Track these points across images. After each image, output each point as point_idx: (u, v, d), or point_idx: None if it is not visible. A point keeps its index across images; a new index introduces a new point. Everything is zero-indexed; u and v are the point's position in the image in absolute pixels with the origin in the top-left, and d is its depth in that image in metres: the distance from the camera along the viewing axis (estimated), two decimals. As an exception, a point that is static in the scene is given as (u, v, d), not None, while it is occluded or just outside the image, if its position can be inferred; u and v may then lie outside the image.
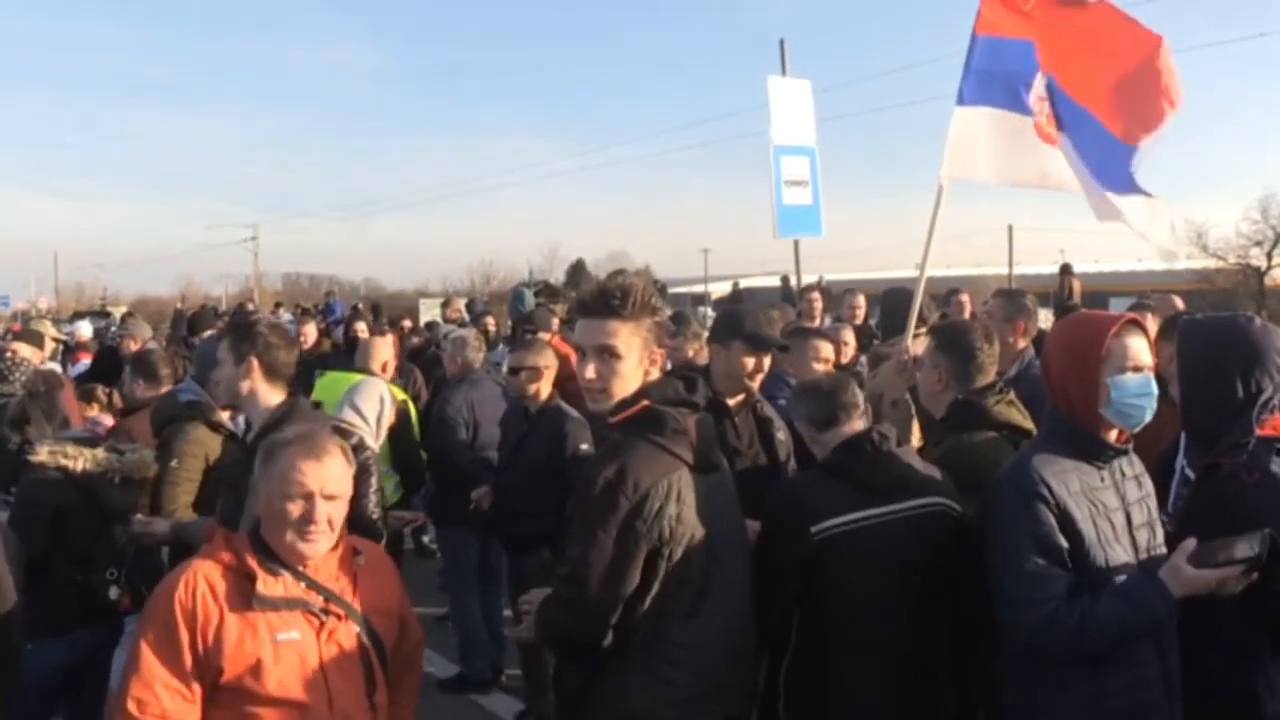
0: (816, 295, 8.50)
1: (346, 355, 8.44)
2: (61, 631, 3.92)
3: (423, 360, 9.00)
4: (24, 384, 5.37)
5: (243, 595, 2.54)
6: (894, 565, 2.89)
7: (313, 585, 2.62)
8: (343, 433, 4.08)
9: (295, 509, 2.57)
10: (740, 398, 3.86)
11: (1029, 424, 3.42)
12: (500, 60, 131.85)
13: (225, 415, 4.57)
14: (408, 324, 12.06)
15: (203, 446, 4.34)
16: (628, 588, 2.48)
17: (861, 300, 8.54)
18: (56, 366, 8.68)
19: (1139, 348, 2.67)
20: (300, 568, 2.62)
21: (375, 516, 3.71)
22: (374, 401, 4.75)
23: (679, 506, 2.51)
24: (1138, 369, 2.65)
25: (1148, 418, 2.68)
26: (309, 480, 2.58)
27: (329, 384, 5.98)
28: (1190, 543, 2.49)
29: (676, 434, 2.56)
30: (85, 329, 14.06)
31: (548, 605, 2.65)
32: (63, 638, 3.94)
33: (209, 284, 67.74)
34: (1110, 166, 4.53)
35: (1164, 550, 2.73)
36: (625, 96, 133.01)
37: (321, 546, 2.62)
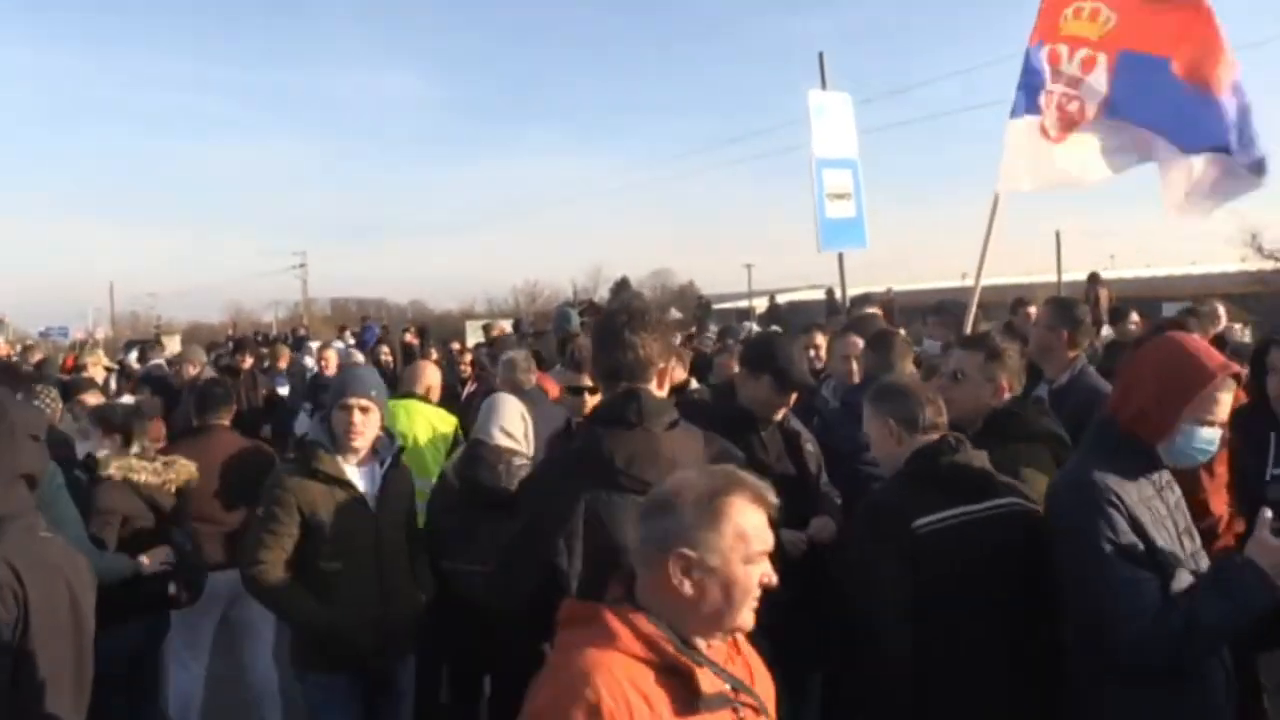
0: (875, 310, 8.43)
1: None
2: (124, 621, 4.15)
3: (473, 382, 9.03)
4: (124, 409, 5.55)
5: (677, 698, 1.93)
6: (990, 561, 2.87)
7: (720, 671, 2.02)
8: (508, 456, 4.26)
9: (761, 575, 1.99)
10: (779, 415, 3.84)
11: (1064, 434, 3.44)
12: (544, 83, 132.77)
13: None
14: (457, 346, 12.11)
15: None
16: None
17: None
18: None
19: (1224, 403, 2.72)
20: (706, 650, 2.02)
21: None
22: (517, 419, 4.55)
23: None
24: (1212, 424, 2.70)
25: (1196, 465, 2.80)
26: (767, 535, 2.01)
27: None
28: (1267, 514, 2.50)
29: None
30: (133, 358, 14.30)
31: None
32: (124, 626, 4.16)
33: (259, 311, 68.65)
34: (1192, 122, 4.57)
35: (1204, 556, 2.80)
36: (667, 115, 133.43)
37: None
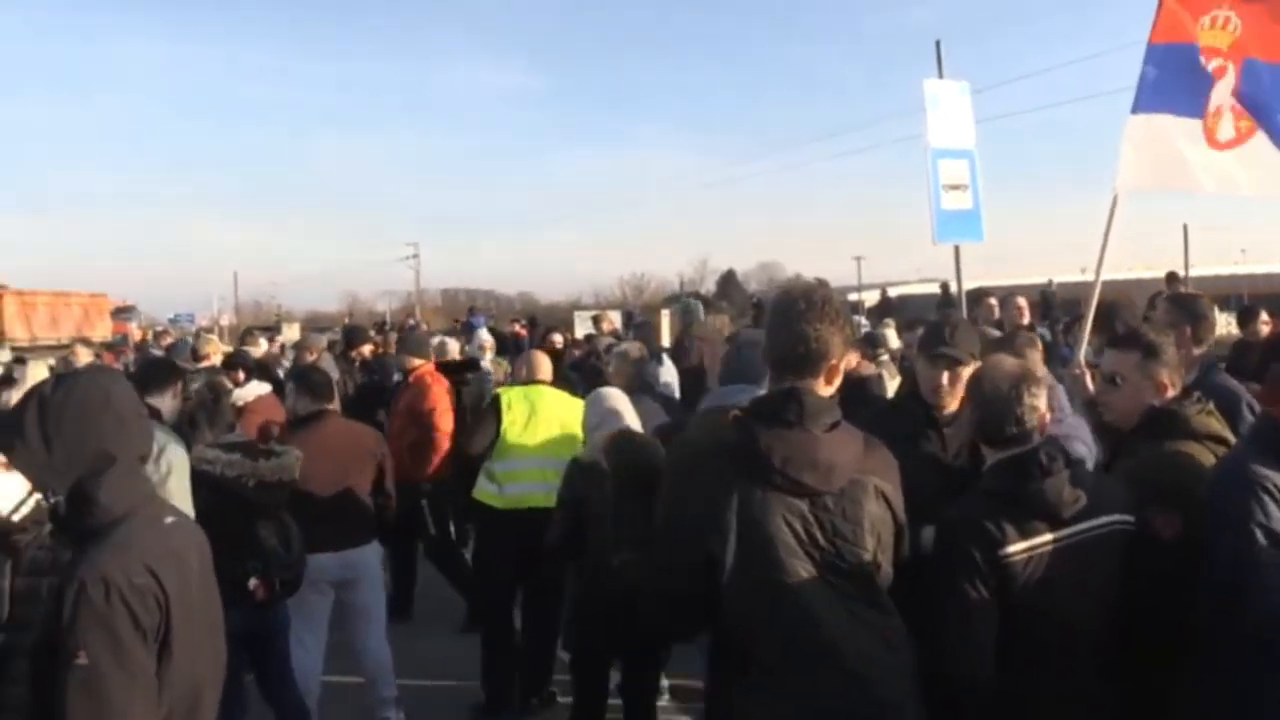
0: (995, 301, 8.24)
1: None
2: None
3: (585, 372, 9.08)
4: (195, 393, 5.68)
5: None
6: (1075, 591, 2.73)
7: None
8: None
9: None
10: (952, 409, 3.53)
11: (1229, 434, 3.21)
12: (651, 76, 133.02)
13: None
14: (557, 338, 12.21)
15: None
16: None
17: (1024, 303, 8.28)
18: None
19: None
20: None
21: None
22: (634, 411, 4.71)
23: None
24: None
25: None
26: None
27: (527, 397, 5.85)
28: None
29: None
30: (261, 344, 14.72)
31: None
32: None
33: (373, 300, 70.53)
34: None
35: None
36: (776, 106, 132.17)
37: None
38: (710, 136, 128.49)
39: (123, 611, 2.11)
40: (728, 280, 63.81)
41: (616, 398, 4.76)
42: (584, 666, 4.65)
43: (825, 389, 2.67)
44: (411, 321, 22.04)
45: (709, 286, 63.57)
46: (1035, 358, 4.22)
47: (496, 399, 5.86)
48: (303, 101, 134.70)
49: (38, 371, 8.57)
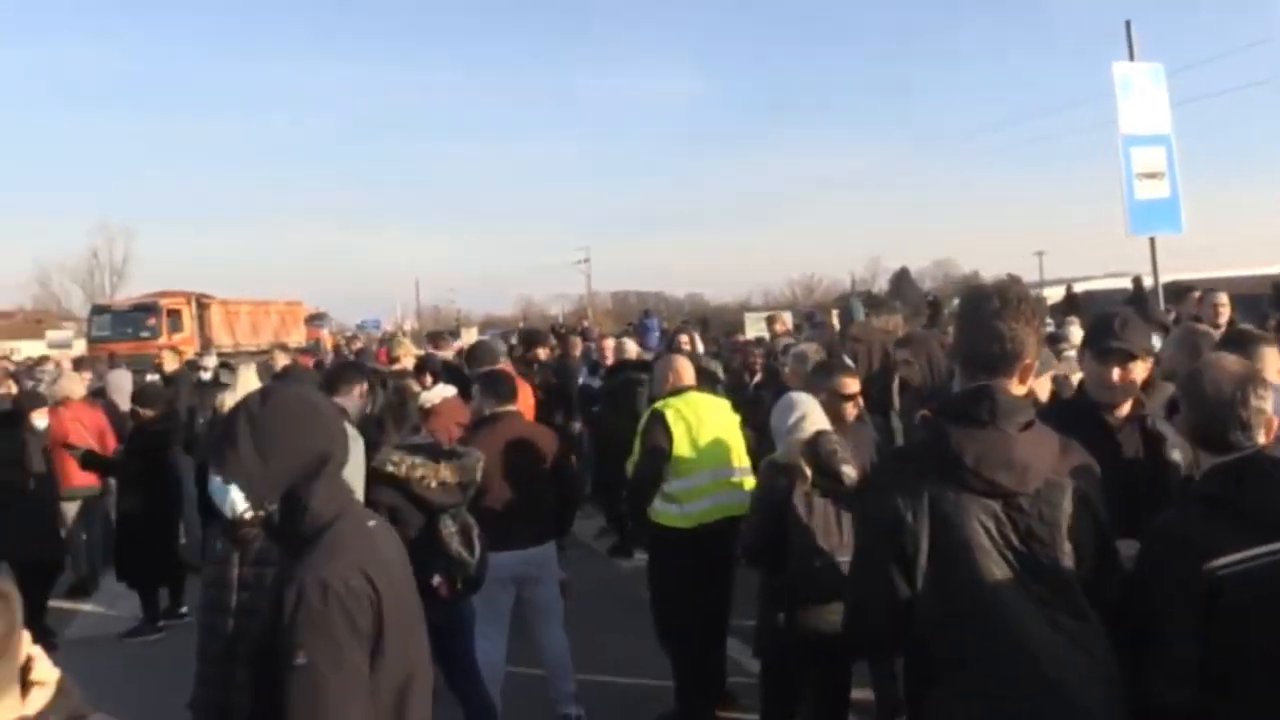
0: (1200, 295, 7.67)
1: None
2: None
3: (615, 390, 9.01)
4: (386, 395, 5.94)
5: None
6: None
7: None
8: None
9: None
10: (1124, 411, 3.34)
11: None
12: (821, 73, 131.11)
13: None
14: (741, 338, 12.14)
15: None
16: None
17: (1225, 299, 7.68)
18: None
19: None
20: None
21: None
22: (821, 413, 4.80)
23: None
24: None
25: None
26: None
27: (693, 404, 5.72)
28: None
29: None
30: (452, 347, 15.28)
31: None
32: None
33: (546, 304, 72.23)
34: None
35: None
36: (951, 98, 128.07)
37: None
38: (882, 131, 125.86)
39: (340, 613, 2.18)
40: (901, 278, 62.29)
41: (807, 401, 4.72)
42: (775, 672, 4.61)
43: (1018, 388, 2.58)
44: (585, 324, 22.45)
45: (881, 285, 62.37)
46: (1272, 357, 3.87)
47: (660, 414, 5.60)
48: (476, 114, 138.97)
49: (248, 375, 9.09)
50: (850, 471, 4.37)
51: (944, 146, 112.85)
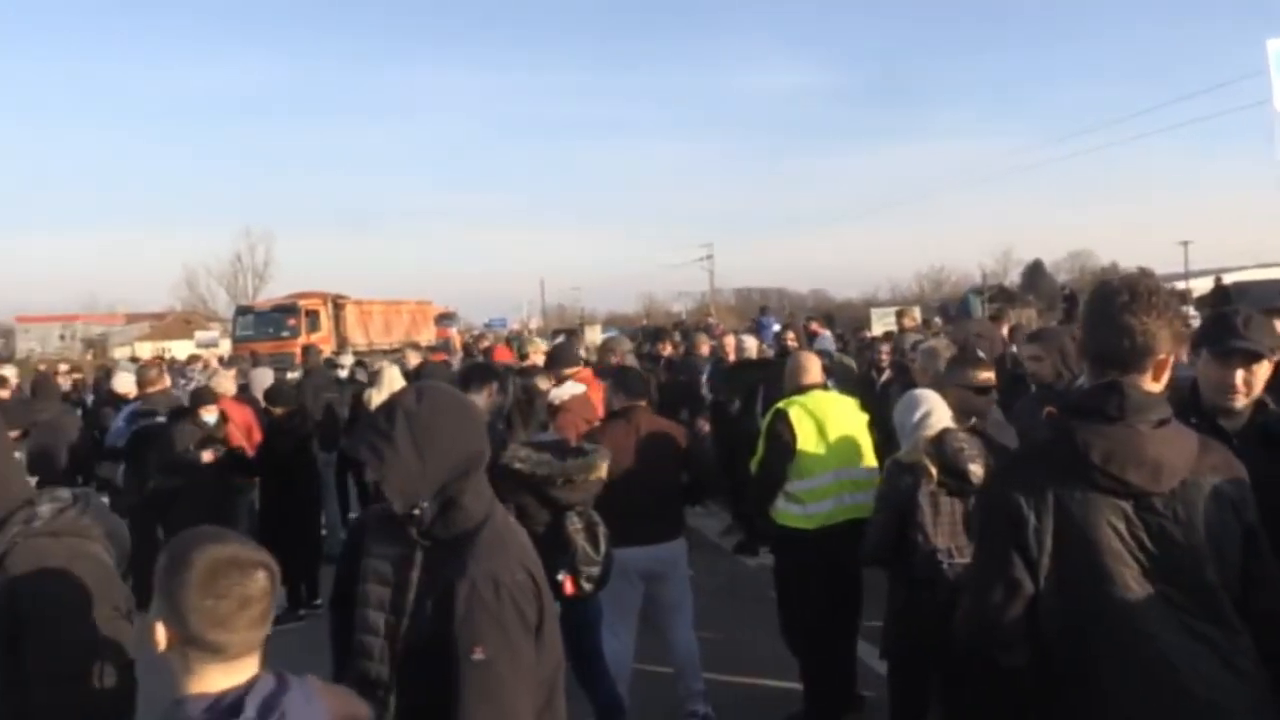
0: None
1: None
2: None
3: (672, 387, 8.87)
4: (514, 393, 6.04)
5: None
6: None
7: None
8: None
9: None
10: (1243, 417, 3.15)
11: None
12: (945, 62, 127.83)
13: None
14: (868, 334, 11.93)
15: None
16: None
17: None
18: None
19: None
20: None
21: None
22: (948, 410, 4.71)
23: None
24: None
25: None
26: None
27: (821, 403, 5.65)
28: None
29: None
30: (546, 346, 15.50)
31: None
32: None
33: (669, 301, 72.29)
34: None
35: None
36: (1085, 83, 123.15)
37: None
38: (1012, 121, 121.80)
39: (512, 608, 2.25)
40: (1034, 271, 60.32)
41: (933, 398, 4.61)
42: (903, 675, 4.53)
43: (1153, 385, 2.45)
44: (710, 320, 22.41)
45: (1013, 278, 60.49)
46: None
47: (784, 413, 5.54)
48: (600, 114, 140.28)
49: (392, 373, 9.36)
50: (977, 470, 4.27)
51: (1082, 133, 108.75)
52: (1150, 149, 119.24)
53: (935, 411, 4.54)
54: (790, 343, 10.40)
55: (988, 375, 4.93)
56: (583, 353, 9.66)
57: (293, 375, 12.56)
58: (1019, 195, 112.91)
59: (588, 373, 7.51)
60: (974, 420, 4.67)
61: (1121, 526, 2.32)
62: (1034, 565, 2.35)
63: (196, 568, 1.84)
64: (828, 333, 14.35)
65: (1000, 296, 32.94)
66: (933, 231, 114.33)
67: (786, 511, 5.47)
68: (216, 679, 1.86)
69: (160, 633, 1.85)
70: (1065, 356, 5.24)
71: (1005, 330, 10.56)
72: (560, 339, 18.42)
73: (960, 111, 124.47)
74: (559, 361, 7.53)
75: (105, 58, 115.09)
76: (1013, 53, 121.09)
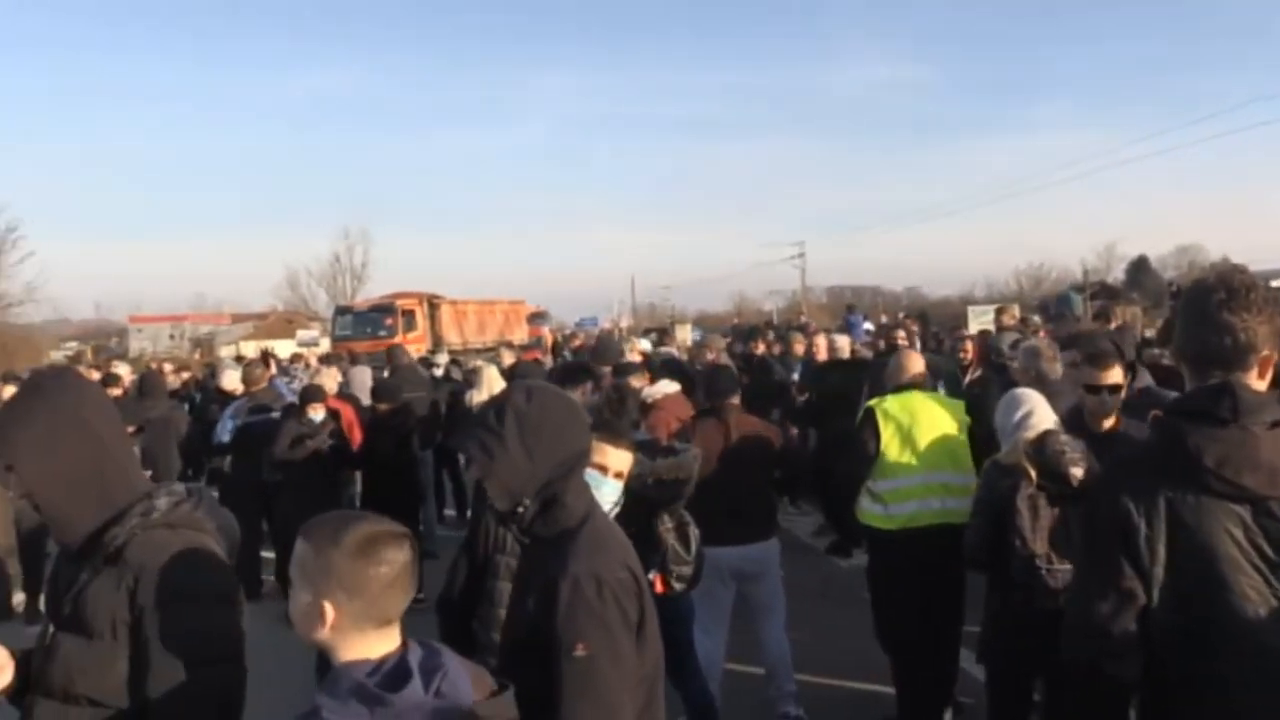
0: None
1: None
2: None
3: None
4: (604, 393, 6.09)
5: None
6: None
7: None
8: None
9: None
10: None
11: None
12: (1044, 53, 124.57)
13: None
14: (965, 332, 11.69)
15: None
16: None
17: None
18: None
19: None
20: None
21: None
22: (1050, 411, 4.56)
23: None
24: None
25: None
26: None
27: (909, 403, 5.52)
28: None
29: None
30: (643, 344, 15.58)
31: None
32: None
33: (760, 300, 71.92)
34: None
35: None
36: (1193, 73, 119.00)
37: None
38: (1115, 111, 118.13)
39: (614, 606, 2.27)
40: (1139, 267, 58.37)
41: (1034, 397, 4.49)
42: (1002, 683, 4.44)
43: (1258, 383, 2.35)
44: (802, 319, 22.24)
45: (1117, 275, 58.70)
46: None
47: (871, 412, 5.48)
48: (691, 111, 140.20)
49: (492, 372, 9.52)
50: (1078, 473, 4.15)
51: (1191, 123, 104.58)
52: (1263, 138, 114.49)
53: (1037, 412, 4.42)
54: (900, 340, 10.25)
55: (1115, 371, 4.70)
56: (674, 350, 9.68)
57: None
58: (1123, 188, 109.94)
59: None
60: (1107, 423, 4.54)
61: (1239, 533, 2.23)
62: (1146, 574, 2.28)
63: (354, 542, 1.93)
64: (868, 324, 14.06)
65: (1103, 293, 31.99)
66: (1031, 227, 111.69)
67: (870, 511, 5.41)
68: (375, 646, 1.93)
69: (328, 611, 1.90)
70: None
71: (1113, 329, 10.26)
72: (652, 335, 18.52)
73: (1060, 103, 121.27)
74: (602, 356, 7.58)
75: (215, 64, 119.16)
76: (1115, 40, 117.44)
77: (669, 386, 6.70)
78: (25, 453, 2.36)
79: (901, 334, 11.31)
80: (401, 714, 1.83)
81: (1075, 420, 4.64)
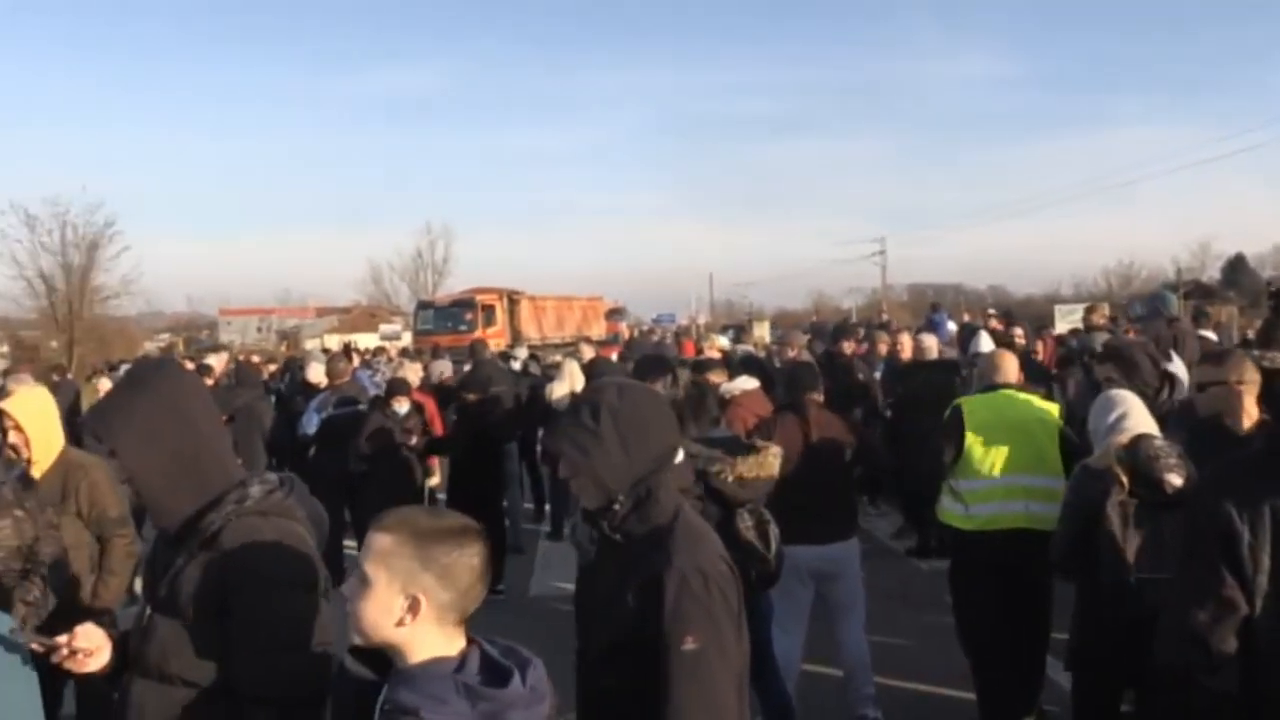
0: None
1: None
2: None
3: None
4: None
5: None
6: None
7: None
8: None
9: None
10: None
11: None
12: (1136, 45, 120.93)
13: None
14: (1053, 332, 11.35)
15: None
16: None
17: None
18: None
19: None
20: None
21: None
22: (1147, 414, 4.41)
23: None
24: None
25: None
26: None
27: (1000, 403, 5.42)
28: None
29: None
30: (721, 341, 15.53)
31: None
32: None
33: (839, 297, 71.17)
34: None
35: None
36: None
37: None
38: (1208, 105, 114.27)
39: (719, 599, 2.28)
40: (1236, 265, 56.47)
41: (1129, 399, 4.34)
42: (1089, 693, 4.33)
43: None
44: (884, 317, 21.97)
45: (1212, 273, 56.86)
46: None
47: (958, 410, 5.37)
48: (770, 107, 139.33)
49: (573, 368, 9.58)
50: (1174, 480, 3.98)
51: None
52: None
53: (1131, 414, 4.28)
54: (1018, 339, 10.03)
55: (1251, 372, 4.43)
56: (753, 348, 9.62)
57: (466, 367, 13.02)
58: (1218, 184, 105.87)
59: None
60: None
61: None
62: (1248, 583, 2.21)
63: (449, 532, 1.95)
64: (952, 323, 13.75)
65: (1198, 293, 31.05)
66: (1120, 225, 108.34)
67: (950, 510, 5.31)
68: (453, 642, 1.94)
69: (421, 602, 1.90)
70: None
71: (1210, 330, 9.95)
72: (730, 332, 18.46)
73: (1151, 96, 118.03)
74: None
75: (294, 64, 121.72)
76: (1209, 31, 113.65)
77: (748, 383, 6.66)
78: (126, 439, 2.44)
79: (1019, 332, 11.06)
80: (504, 710, 1.85)
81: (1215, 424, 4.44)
